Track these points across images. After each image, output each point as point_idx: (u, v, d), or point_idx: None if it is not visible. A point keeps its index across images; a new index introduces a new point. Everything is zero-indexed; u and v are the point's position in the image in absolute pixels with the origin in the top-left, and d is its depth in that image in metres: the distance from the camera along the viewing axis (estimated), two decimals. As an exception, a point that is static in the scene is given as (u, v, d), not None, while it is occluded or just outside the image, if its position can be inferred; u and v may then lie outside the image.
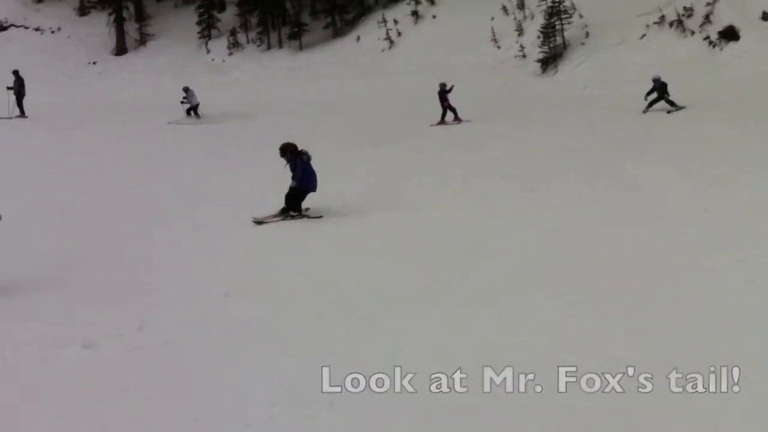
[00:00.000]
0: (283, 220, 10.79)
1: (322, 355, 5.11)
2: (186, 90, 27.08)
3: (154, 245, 9.84)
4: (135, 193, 13.33)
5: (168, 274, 8.42)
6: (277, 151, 11.42)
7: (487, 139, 17.81)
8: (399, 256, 8.23)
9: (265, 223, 10.67)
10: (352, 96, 28.66)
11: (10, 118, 25.62)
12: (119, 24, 44.44)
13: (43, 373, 5.34)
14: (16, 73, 26.74)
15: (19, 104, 26.15)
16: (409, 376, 4.70)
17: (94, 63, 43.31)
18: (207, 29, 42.45)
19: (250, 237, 10.04)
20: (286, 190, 10.94)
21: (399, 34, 34.57)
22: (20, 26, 48.28)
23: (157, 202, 12.51)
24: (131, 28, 44.99)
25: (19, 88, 26.26)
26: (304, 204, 11.14)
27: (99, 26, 45.63)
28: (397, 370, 4.79)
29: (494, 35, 30.24)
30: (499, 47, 29.92)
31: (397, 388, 4.56)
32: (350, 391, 4.50)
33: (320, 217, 10.99)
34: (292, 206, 10.97)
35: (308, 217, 10.99)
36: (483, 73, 26.24)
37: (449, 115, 21.50)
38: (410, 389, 4.53)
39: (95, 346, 5.72)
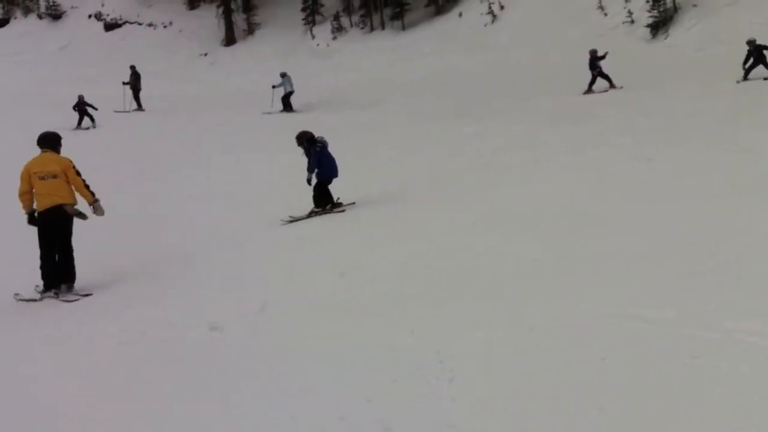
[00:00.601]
0: (309, 217, 10.50)
1: (442, 333, 5.14)
2: (283, 75, 26.63)
3: (258, 233, 10.17)
4: (236, 185, 13.80)
5: (280, 258, 8.68)
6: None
7: (595, 108, 17.44)
8: (508, 231, 8.14)
9: (297, 220, 10.44)
10: (455, 72, 28.52)
11: (128, 111, 26.82)
12: (227, 15, 45.67)
13: (172, 355, 5.60)
14: (132, 68, 27.94)
15: (136, 98, 27.36)
16: (537, 350, 4.68)
17: (205, 54, 44.73)
18: (311, 15, 43.08)
19: (354, 221, 10.19)
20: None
21: (502, 7, 34.09)
22: (134, 23, 50.39)
23: (252, 193, 12.93)
24: (239, 19, 46.18)
25: (135, 83, 27.43)
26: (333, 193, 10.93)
27: (208, 18, 47.04)
28: (524, 345, 4.80)
29: (600, 3, 29.50)
30: (605, 14, 29.15)
31: (523, 365, 4.51)
32: (471, 369, 4.53)
33: (353, 203, 10.88)
34: (317, 202, 10.62)
35: (336, 210, 10.66)
36: (589, 42, 25.53)
37: (601, 84, 20.96)
38: (536, 365, 4.48)
39: (220, 328, 5.97)
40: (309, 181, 10.73)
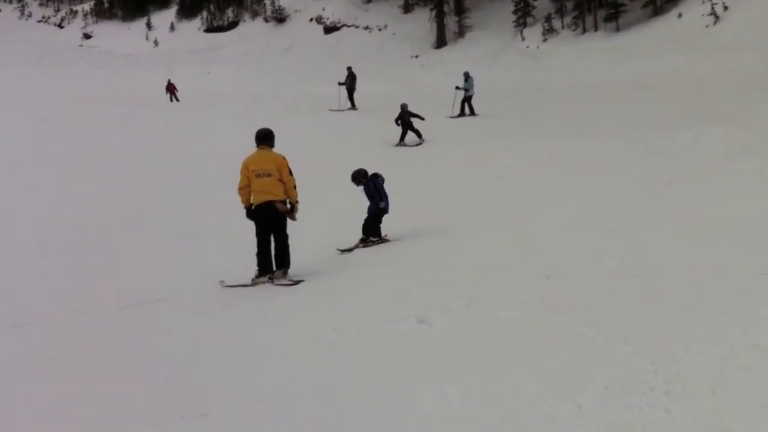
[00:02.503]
0: (365, 246, 10.44)
1: (657, 344, 4.90)
2: (466, 77, 25.53)
3: (458, 233, 10.26)
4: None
5: (483, 256, 8.68)
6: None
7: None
8: (735, 243, 7.53)
9: (350, 251, 10.32)
10: (672, 76, 27.33)
11: (342, 110, 27.95)
12: (440, 18, 46.52)
13: (383, 343, 5.78)
14: (349, 69, 29.10)
15: (350, 97, 28.45)
16: (765, 371, 4.36)
17: (416, 56, 45.81)
18: (522, 17, 42.89)
19: (569, 223, 10.01)
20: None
21: (725, 8, 32.16)
22: (351, 26, 52.60)
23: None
24: (451, 22, 46.92)
25: (351, 83, 28.53)
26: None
27: (421, 22, 48.15)
28: (749, 364, 4.46)
29: (838, 1, 27.02)
30: (843, 13, 26.70)
31: (747, 384, 4.21)
32: (690, 382, 4.29)
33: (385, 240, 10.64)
34: (371, 231, 10.61)
35: (388, 240, 10.59)
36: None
37: None
38: (763, 386, 4.17)
39: (428, 321, 6.07)
40: (386, 209, 10.76)
